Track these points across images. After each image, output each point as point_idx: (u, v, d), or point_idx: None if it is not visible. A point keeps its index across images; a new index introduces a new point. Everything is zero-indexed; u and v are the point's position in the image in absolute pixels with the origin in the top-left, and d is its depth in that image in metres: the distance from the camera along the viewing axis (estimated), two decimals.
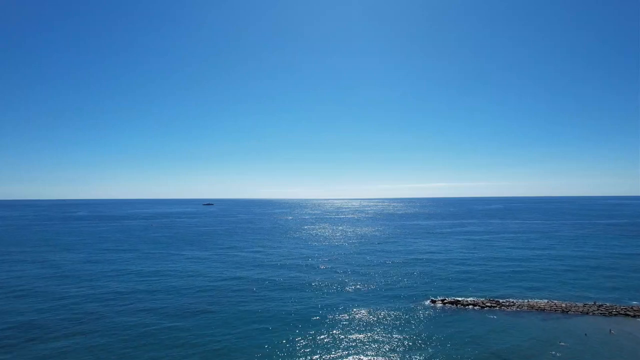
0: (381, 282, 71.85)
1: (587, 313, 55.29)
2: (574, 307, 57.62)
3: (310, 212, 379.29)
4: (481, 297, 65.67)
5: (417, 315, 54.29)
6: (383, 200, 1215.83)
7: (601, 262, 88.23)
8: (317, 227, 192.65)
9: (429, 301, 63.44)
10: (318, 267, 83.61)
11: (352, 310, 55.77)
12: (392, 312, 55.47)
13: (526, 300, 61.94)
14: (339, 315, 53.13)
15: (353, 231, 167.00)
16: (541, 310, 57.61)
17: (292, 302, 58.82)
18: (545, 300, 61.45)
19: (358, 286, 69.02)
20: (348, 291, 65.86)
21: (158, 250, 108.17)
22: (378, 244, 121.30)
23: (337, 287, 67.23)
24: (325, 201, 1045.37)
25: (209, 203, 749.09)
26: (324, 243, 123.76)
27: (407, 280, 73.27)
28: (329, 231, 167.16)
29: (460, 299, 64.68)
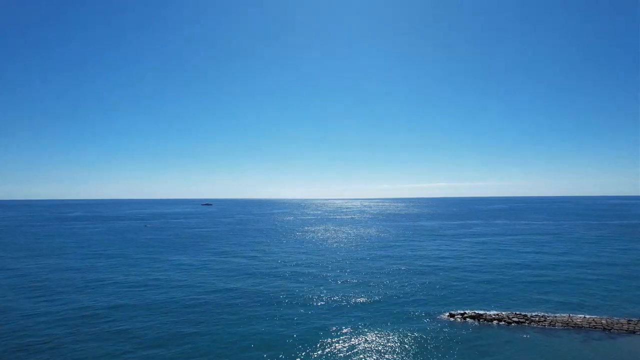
0: (392, 293, 64.21)
1: (634, 332, 47.71)
2: (617, 324, 50.04)
3: (311, 212, 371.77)
4: (505, 310, 58.25)
5: (437, 334, 46.78)
6: (384, 200, 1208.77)
7: (631, 270, 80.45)
8: (318, 228, 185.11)
9: (447, 315, 56.11)
10: (320, 276, 75.58)
11: (365, 330, 48.17)
12: (409, 330, 47.96)
13: (558, 315, 54.44)
14: (349, 339, 45.44)
15: (356, 233, 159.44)
16: (579, 327, 50.08)
17: (292, 321, 50.82)
18: (582, 315, 53.85)
19: (368, 299, 61.36)
20: (357, 306, 58.13)
21: (146, 255, 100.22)
22: (384, 248, 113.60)
23: (344, 302, 59.33)
24: (326, 201, 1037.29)
25: (207, 203, 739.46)
26: (325, 247, 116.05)
27: (419, 291, 65.69)
28: (331, 233, 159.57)
29: (481, 312, 57.21)
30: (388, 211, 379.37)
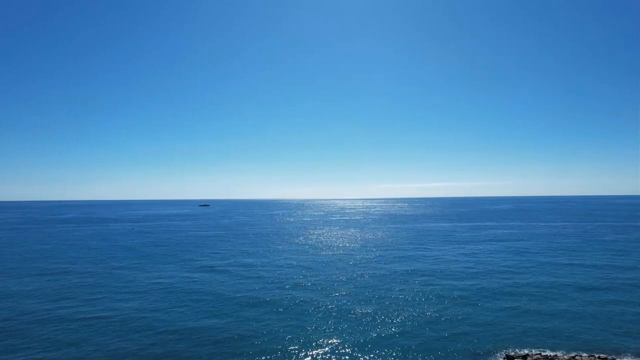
0: (422, 328, 48.39)
1: None
2: None
3: (313, 213, 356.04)
4: (580, 350, 42.82)
5: None
6: (386, 200, 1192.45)
7: None
8: (320, 232, 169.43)
9: (502, 357, 40.95)
10: (326, 306, 57.09)
11: None
12: None
13: None
14: None
15: (363, 238, 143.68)
16: None
17: None
18: None
19: (393, 339, 45.66)
20: (381, 356, 42.48)
21: (114, 270, 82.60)
22: (398, 260, 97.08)
23: (360, 354, 42.96)
24: (327, 201, 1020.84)
25: (204, 204, 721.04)
26: (330, 260, 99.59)
27: (457, 323, 49.99)
28: (335, 240, 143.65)
29: (551, 354, 41.79)
30: (392, 212, 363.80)
